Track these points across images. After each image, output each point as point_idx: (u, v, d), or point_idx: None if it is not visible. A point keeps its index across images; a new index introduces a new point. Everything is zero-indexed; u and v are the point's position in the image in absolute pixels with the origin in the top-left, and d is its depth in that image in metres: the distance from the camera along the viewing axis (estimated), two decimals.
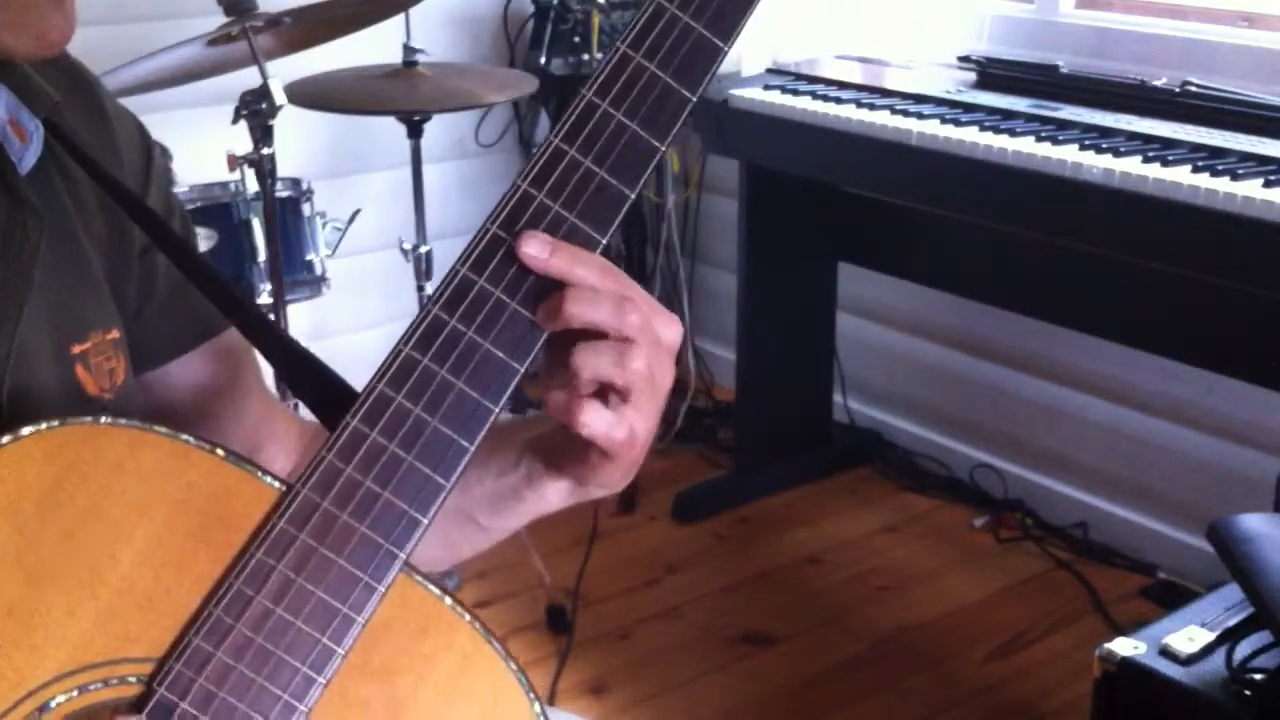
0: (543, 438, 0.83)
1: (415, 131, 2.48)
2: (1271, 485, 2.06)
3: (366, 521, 0.71)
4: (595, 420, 0.73)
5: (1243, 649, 1.49)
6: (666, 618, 2.55)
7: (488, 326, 0.72)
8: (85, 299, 0.87)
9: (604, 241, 0.74)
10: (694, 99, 0.74)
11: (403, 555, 0.72)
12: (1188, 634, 1.54)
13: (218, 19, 2.08)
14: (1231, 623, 1.56)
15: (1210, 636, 1.54)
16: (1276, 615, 1.43)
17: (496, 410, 0.73)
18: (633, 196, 0.74)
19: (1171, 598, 2.42)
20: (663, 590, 2.64)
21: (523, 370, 0.74)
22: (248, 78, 2.17)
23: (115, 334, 0.88)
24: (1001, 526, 2.82)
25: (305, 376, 0.81)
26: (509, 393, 0.74)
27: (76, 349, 0.85)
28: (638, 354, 0.73)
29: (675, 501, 2.89)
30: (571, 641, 2.45)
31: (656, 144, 0.74)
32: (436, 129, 2.65)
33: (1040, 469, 2.86)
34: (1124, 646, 1.55)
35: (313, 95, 2.33)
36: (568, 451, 0.79)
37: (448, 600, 0.74)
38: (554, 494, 0.83)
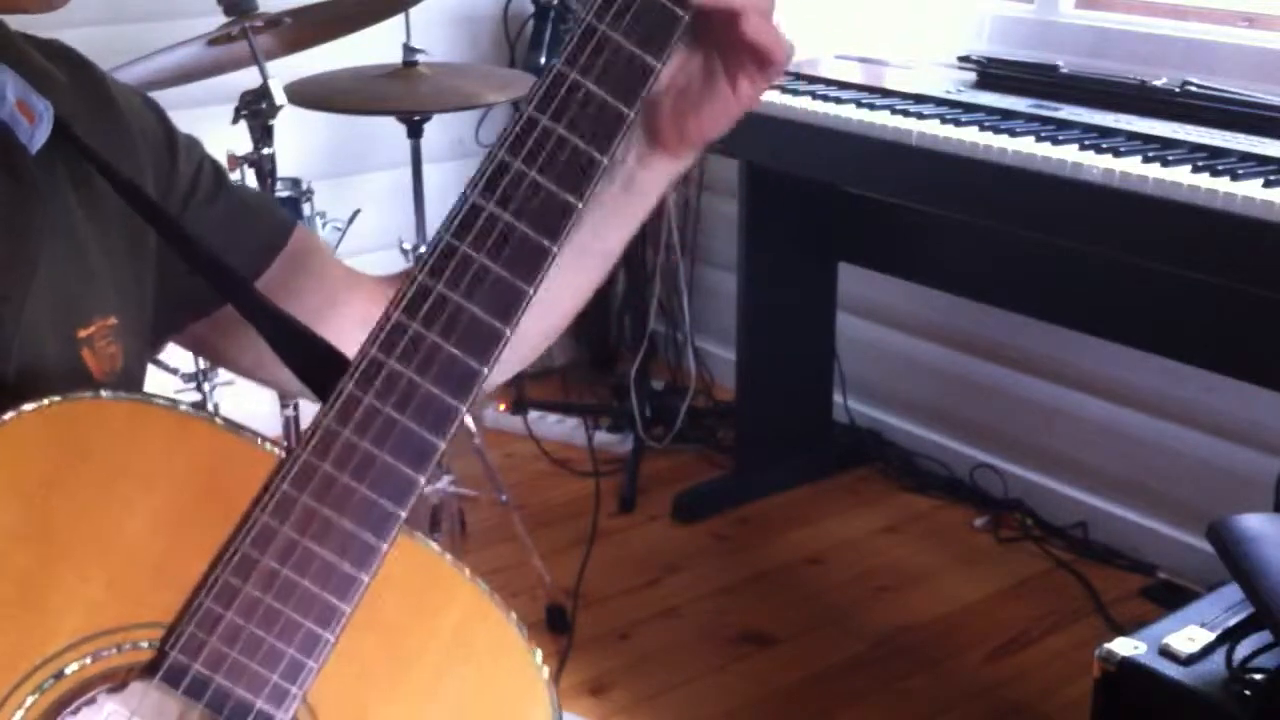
0: (659, 107, 0.88)
1: (415, 131, 2.48)
2: (1271, 485, 2.06)
3: (366, 482, 0.73)
4: (761, 25, 0.82)
5: (1243, 649, 1.49)
6: (666, 618, 2.55)
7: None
8: (85, 284, 0.87)
9: (555, 251, 0.76)
10: (631, 114, 0.77)
11: (402, 513, 0.74)
12: (1188, 634, 1.54)
13: (218, 19, 2.08)
14: (1231, 623, 1.56)
15: (1210, 636, 1.54)
16: (1276, 615, 1.43)
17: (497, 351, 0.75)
18: (580, 206, 0.76)
19: (1171, 598, 2.42)
20: (663, 590, 2.64)
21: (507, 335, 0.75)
22: (248, 78, 2.17)
23: (114, 320, 0.88)
24: (1001, 526, 2.82)
25: (299, 347, 0.83)
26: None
27: (81, 333, 0.86)
28: None
29: (675, 501, 2.89)
30: (571, 641, 2.45)
31: (599, 156, 0.77)
32: (436, 129, 2.64)
33: (1040, 469, 2.86)
34: (1124, 646, 1.55)
35: (313, 95, 2.33)
36: (708, 88, 0.86)
37: (448, 558, 0.76)
38: (659, 168, 0.90)
